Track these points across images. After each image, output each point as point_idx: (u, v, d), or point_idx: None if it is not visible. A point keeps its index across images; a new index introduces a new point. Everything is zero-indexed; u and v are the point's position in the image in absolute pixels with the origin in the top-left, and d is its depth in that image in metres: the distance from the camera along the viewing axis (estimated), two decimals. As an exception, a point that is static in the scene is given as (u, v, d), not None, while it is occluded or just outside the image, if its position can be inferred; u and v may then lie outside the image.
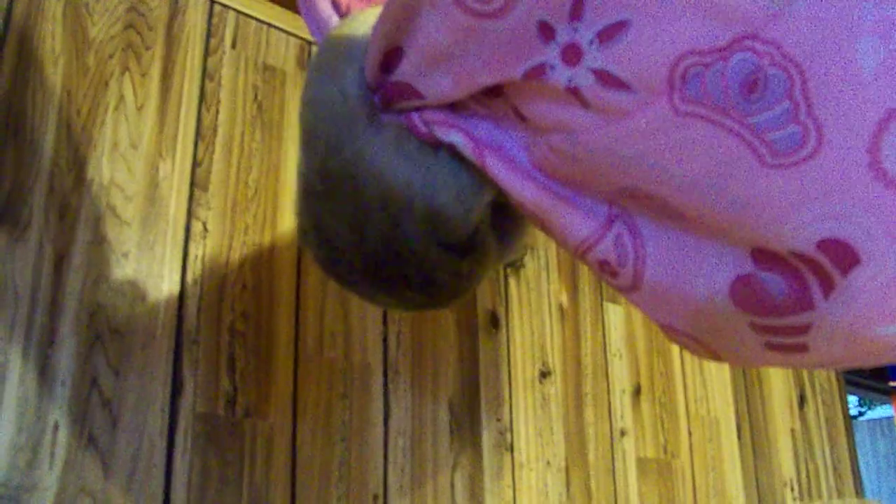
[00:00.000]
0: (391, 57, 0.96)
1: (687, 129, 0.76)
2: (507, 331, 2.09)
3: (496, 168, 0.96)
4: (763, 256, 0.81)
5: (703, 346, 0.94)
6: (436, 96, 0.96)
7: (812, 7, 0.68)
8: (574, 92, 0.83)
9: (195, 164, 1.64)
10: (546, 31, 0.81)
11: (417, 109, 0.99)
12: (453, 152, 1.00)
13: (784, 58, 0.69)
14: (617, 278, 0.94)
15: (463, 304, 1.99)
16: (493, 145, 0.97)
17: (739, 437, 2.69)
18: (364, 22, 1.04)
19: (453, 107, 0.99)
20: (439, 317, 1.93)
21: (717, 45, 0.72)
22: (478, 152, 0.97)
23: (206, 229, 1.62)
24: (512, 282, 2.13)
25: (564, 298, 2.26)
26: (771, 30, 0.69)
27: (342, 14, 1.13)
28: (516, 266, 2.16)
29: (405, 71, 0.95)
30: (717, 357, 0.96)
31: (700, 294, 0.86)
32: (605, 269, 0.94)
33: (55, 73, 1.52)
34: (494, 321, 2.06)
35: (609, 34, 0.77)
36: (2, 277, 1.37)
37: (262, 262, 1.68)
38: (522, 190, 0.95)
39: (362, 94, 1.00)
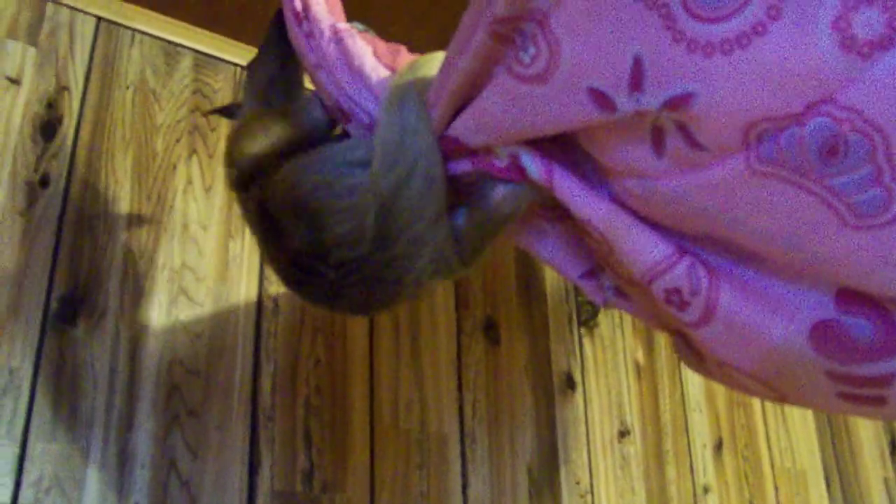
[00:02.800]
0: (448, 115, 0.98)
1: (764, 188, 0.75)
2: (584, 391, 2.05)
3: (565, 185, 0.95)
4: (848, 298, 0.80)
5: (770, 388, 0.93)
6: (482, 146, 0.98)
7: (891, 72, 0.66)
8: (651, 129, 0.82)
9: (264, 242, 1.65)
10: (602, 101, 0.81)
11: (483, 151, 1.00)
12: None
13: (865, 123, 0.68)
14: (686, 310, 0.91)
15: (538, 366, 1.96)
16: (561, 161, 0.96)
17: (829, 490, 2.60)
18: (428, 69, 1.04)
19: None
20: (514, 381, 1.91)
21: (790, 111, 0.70)
22: (545, 166, 0.95)
23: (277, 306, 1.63)
24: (586, 342, 2.10)
25: (640, 355, 2.22)
26: (849, 95, 0.68)
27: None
28: (590, 326, 2.13)
29: (456, 129, 0.97)
30: (783, 400, 0.94)
31: (776, 335, 0.85)
32: (672, 299, 0.92)
33: (126, 160, 1.55)
34: (570, 383, 2.03)
35: (675, 104, 0.76)
36: (81, 364, 1.39)
37: (334, 335, 1.68)
38: (594, 208, 0.93)
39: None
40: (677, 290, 0.91)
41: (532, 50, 0.82)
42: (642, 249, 0.92)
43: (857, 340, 0.80)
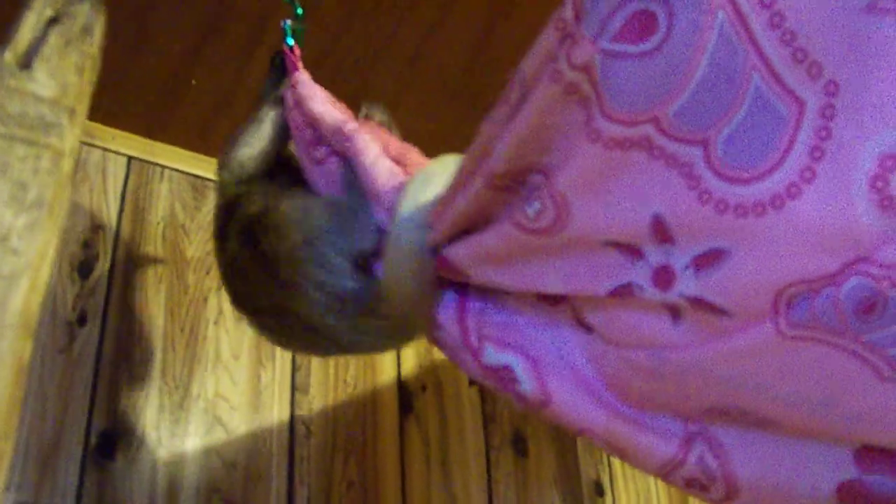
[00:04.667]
0: (448, 237, 0.93)
1: (795, 352, 0.72)
2: (613, 498, 2.05)
3: (561, 393, 0.90)
4: (869, 457, 0.78)
5: None
6: (484, 283, 0.92)
7: None
8: (666, 306, 0.79)
9: (294, 368, 1.69)
10: (632, 251, 0.77)
11: (475, 311, 0.96)
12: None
13: None
14: (709, 492, 0.88)
15: (566, 475, 1.97)
16: (554, 364, 0.92)
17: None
18: (438, 181, 1.00)
19: (506, 308, 0.96)
20: (544, 492, 1.91)
21: (826, 272, 0.68)
22: (539, 378, 0.91)
23: (309, 430, 1.65)
24: (612, 448, 2.11)
25: (667, 459, 2.22)
26: (886, 253, 0.66)
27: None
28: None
29: (456, 253, 0.92)
30: None
31: (804, 496, 0.82)
32: (693, 486, 0.89)
33: (159, 294, 1.60)
34: (599, 490, 2.03)
35: (706, 261, 0.73)
36: (120, 499, 1.41)
37: (366, 456, 1.70)
38: (591, 416, 0.89)
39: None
40: (695, 479, 0.88)
41: (537, 205, 0.78)
42: (648, 451, 0.88)
43: (885, 497, 0.78)
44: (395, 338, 1.11)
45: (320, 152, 1.11)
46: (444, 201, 0.91)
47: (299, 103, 1.14)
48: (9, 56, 0.73)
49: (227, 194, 1.19)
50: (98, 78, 0.86)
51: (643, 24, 0.68)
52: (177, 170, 1.75)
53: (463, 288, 0.98)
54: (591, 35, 0.69)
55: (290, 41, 1.24)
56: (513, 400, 0.97)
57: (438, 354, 1.88)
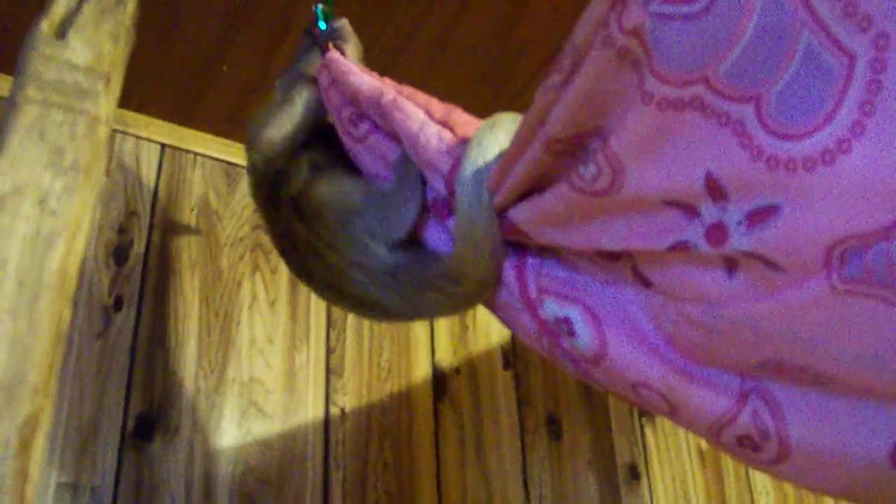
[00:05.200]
0: (511, 201, 0.94)
1: (847, 307, 0.72)
2: (649, 481, 2.04)
3: (618, 345, 0.92)
4: None
5: (858, 500, 0.90)
6: (543, 242, 0.94)
7: None
8: (724, 258, 0.79)
9: (329, 351, 1.69)
10: (688, 209, 0.78)
11: (534, 266, 0.98)
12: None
13: None
14: (760, 452, 0.88)
15: (601, 458, 1.96)
16: (613, 317, 0.94)
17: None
18: (499, 141, 0.99)
19: (565, 265, 0.97)
20: (579, 475, 1.91)
21: (878, 226, 0.67)
22: (598, 329, 0.93)
23: (344, 413, 1.66)
24: (648, 431, 2.10)
25: (703, 443, 2.21)
26: None
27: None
28: (651, 415, 2.13)
29: (518, 216, 0.93)
30: None
31: (857, 458, 0.82)
32: (744, 445, 0.89)
33: (193, 279, 1.61)
34: (634, 473, 2.02)
35: (759, 217, 0.73)
36: (158, 480, 1.42)
37: (401, 439, 1.70)
38: (648, 369, 0.91)
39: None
40: (747, 437, 0.88)
41: (593, 168, 0.80)
42: (702, 405, 0.89)
43: None
44: (459, 306, 1.09)
45: (362, 129, 1.10)
46: (503, 167, 0.92)
47: (335, 81, 1.13)
48: (45, 25, 0.74)
49: (261, 171, 1.20)
50: (130, 67, 0.87)
51: None
52: (209, 156, 1.76)
53: (522, 246, 1.00)
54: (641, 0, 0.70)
55: (323, 25, 1.24)
56: (562, 360, 0.98)
57: (473, 337, 1.89)
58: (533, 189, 0.91)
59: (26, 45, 0.71)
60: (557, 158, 0.85)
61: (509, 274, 1.00)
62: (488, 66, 1.70)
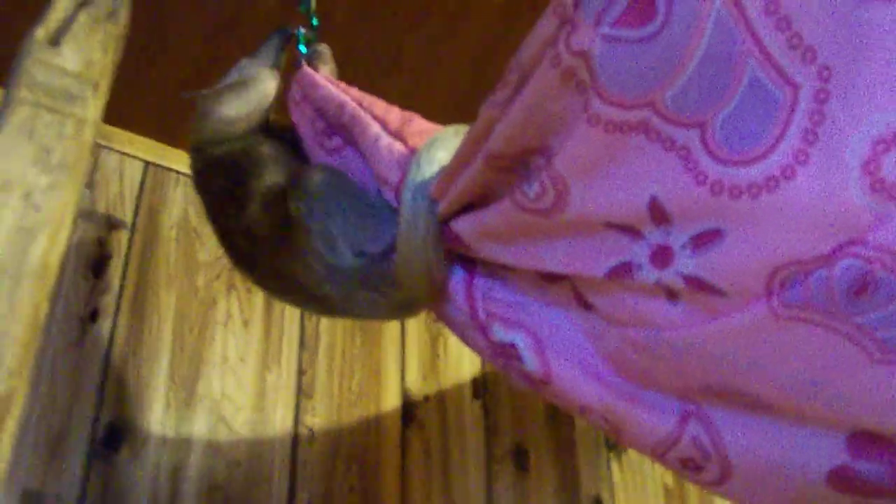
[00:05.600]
0: (454, 211, 0.95)
1: (787, 332, 0.73)
2: (613, 517, 2.06)
3: (561, 370, 0.93)
4: (861, 442, 0.78)
5: None
6: (486, 257, 0.95)
7: None
8: (663, 287, 0.80)
9: (300, 372, 1.71)
10: (632, 232, 0.79)
11: (482, 287, 0.99)
12: None
13: (895, 261, 0.67)
14: (702, 473, 0.89)
15: (567, 490, 1.98)
16: (556, 341, 0.94)
17: None
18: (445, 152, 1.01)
19: (511, 287, 0.98)
20: (545, 502, 1.93)
21: (819, 253, 0.69)
22: (541, 354, 0.94)
23: (313, 434, 1.67)
24: (615, 465, 2.12)
25: (669, 478, 2.23)
26: (878, 235, 0.67)
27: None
28: (618, 449, 2.15)
29: (461, 228, 0.94)
30: None
31: (796, 480, 0.83)
32: (687, 466, 0.90)
33: (170, 295, 1.63)
34: (599, 507, 2.04)
35: (703, 241, 0.74)
36: (123, 491, 1.43)
37: (368, 463, 1.71)
38: (591, 394, 0.91)
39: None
40: (690, 459, 0.89)
41: (537, 186, 0.81)
42: (644, 428, 0.90)
43: (877, 484, 0.79)
44: (397, 310, 1.12)
45: (335, 142, 1.12)
46: (447, 177, 0.93)
47: (306, 95, 1.14)
48: (40, 32, 0.77)
49: (210, 155, 1.17)
50: (115, 83, 0.90)
51: (642, 10, 0.70)
52: (191, 175, 1.78)
53: (471, 263, 1.01)
54: (591, 21, 0.71)
55: (304, 49, 1.27)
56: (516, 379, 1.00)
57: (444, 366, 1.91)
58: (476, 202, 0.92)
59: (21, 49, 0.75)
60: (500, 174, 0.86)
61: (458, 292, 1.01)
62: (468, 92, 1.73)
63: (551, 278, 0.93)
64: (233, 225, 1.16)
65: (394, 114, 1.07)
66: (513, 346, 0.96)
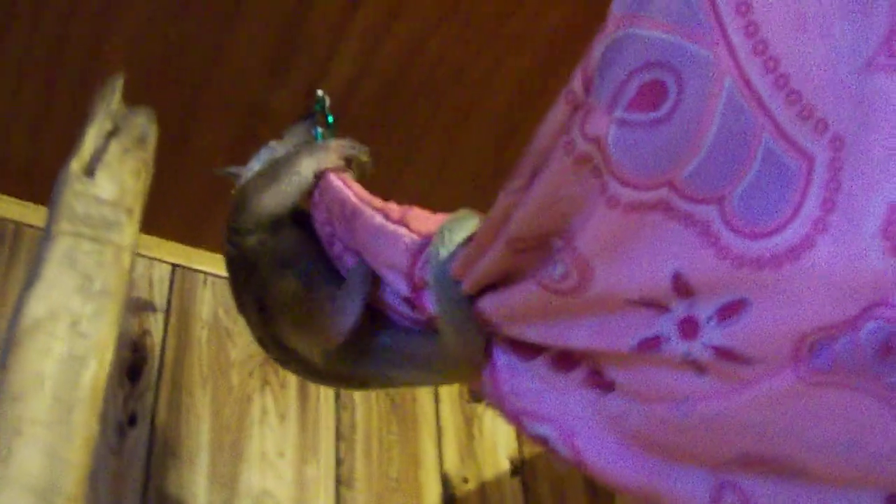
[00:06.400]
0: (476, 291, 0.96)
1: (817, 398, 0.74)
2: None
3: (593, 457, 0.93)
4: None
5: None
6: (511, 335, 0.96)
7: None
8: (690, 363, 0.81)
9: (338, 463, 1.72)
10: (657, 306, 0.80)
11: (509, 385, 1.00)
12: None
13: None
14: None
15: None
16: (582, 429, 0.95)
17: None
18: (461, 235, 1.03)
19: (532, 373, 0.98)
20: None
21: (844, 318, 0.69)
22: (571, 444, 0.94)
23: (354, 524, 1.68)
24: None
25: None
26: None
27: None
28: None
29: (485, 307, 0.95)
30: None
31: None
32: None
33: (205, 395, 1.66)
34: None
35: (729, 312, 0.75)
36: None
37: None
38: (624, 475, 0.92)
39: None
40: None
41: (560, 268, 0.82)
42: (680, 503, 0.89)
43: None
44: (448, 378, 1.15)
45: (337, 249, 1.14)
46: (468, 259, 0.94)
47: (322, 198, 1.15)
48: (75, 165, 0.81)
49: (244, 244, 1.17)
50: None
51: (654, 94, 0.72)
52: (218, 276, 1.82)
53: (494, 348, 1.02)
54: (604, 105, 0.74)
55: (331, 118, 1.29)
56: (557, 460, 1.01)
57: (480, 446, 1.91)
58: (498, 281, 0.93)
59: (59, 182, 0.79)
60: (521, 255, 0.87)
61: (487, 379, 1.02)
62: (489, 176, 1.77)
63: (567, 366, 0.95)
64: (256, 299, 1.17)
65: (393, 205, 1.10)
66: (544, 438, 0.97)
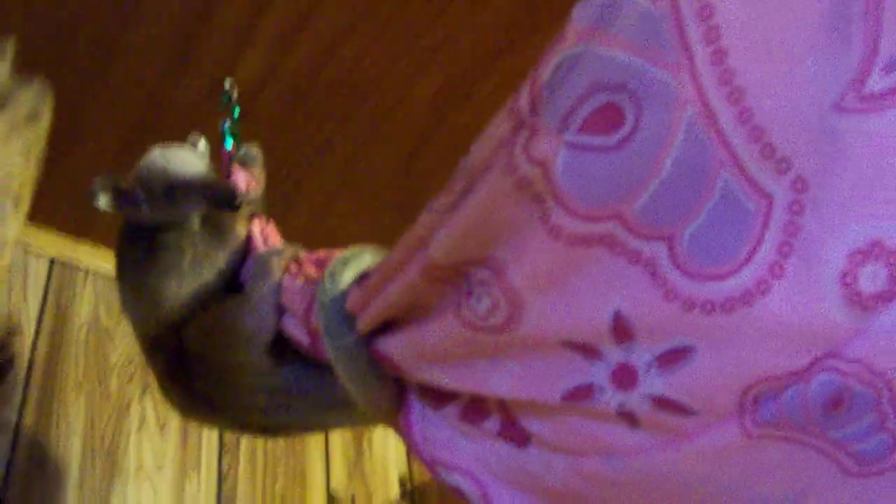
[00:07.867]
0: (376, 327, 0.89)
1: (760, 451, 0.70)
2: None
3: None
4: None
5: None
6: (421, 380, 0.89)
7: (894, 322, 0.64)
8: (624, 414, 0.75)
9: (220, 478, 1.62)
10: (589, 351, 0.74)
11: (422, 433, 0.92)
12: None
13: (872, 374, 0.65)
14: None
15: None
16: (495, 486, 0.88)
17: None
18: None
19: (442, 421, 0.91)
20: None
21: (794, 368, 0.66)
22: (484, 496, 0.88)
23: (234, 545, 1.58)
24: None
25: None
26: (855, 348, 0.65)
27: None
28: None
29: (390, 348, 0.88)
30: None
31: None
32: None
33: (78, 400, 1.53)
34: None
35: (671, 359, 0.71)
36: None
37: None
38: None
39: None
40: None
41: (486, 301, 0.76)
42: None
43: None
44: (368, 420, 1.06)
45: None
46: (369, 289, 0.86)
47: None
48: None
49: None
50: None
51: (609, 118, 0.67)
52: (101, 273, 1.69)
53: (406, 395, 0.94)
54: (553, 126, 0.67)
55: (229, 144, 1.22)
56: None
57: (369, 463, 1.84)
58: (400, 316, 0.86)
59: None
60: (436, 285, 0.80)
61: (402, 425, 0.95)
62: (393, 189, 1.71)
63: (480, 416, 0.87)
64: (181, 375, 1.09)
65: (304, 254, 1.04)
66: (458, 489, 0.90)
